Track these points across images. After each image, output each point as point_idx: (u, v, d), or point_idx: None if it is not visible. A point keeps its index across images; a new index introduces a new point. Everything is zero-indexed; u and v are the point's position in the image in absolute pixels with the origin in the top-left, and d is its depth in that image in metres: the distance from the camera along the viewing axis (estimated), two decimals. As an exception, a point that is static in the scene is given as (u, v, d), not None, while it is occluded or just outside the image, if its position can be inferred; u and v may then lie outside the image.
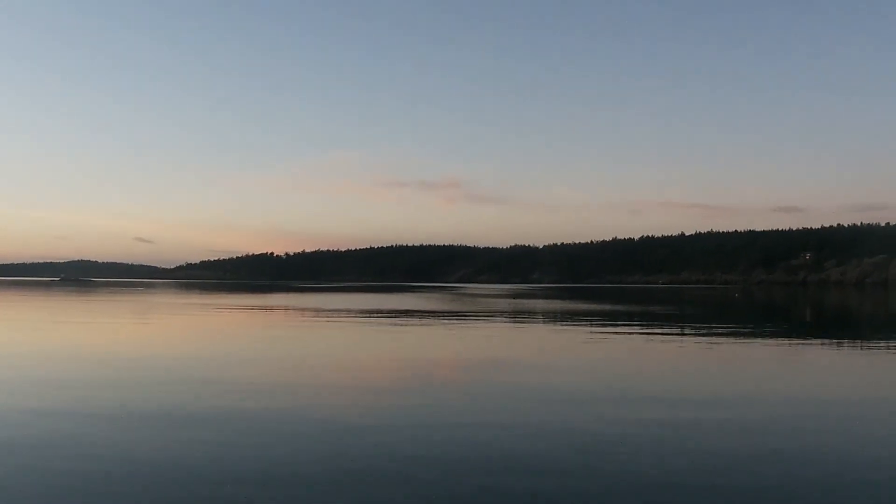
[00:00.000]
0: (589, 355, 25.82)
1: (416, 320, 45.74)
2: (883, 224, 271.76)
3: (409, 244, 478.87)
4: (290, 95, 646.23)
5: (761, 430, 12.52)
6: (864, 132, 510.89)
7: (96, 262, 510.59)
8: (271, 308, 64.83)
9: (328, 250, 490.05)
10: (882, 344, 31.36)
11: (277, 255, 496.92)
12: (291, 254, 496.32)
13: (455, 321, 45.32)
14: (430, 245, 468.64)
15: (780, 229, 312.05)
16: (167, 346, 28.87)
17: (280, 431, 12.18)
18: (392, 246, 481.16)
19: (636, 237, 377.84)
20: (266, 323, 45.43)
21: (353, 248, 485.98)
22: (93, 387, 17.03)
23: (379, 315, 51.14)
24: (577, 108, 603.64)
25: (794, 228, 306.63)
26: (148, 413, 13.67)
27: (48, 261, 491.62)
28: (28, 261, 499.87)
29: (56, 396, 15.55)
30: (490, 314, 54.04)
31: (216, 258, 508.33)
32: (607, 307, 69.31)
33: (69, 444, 11.28)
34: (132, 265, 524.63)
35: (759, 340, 32.11)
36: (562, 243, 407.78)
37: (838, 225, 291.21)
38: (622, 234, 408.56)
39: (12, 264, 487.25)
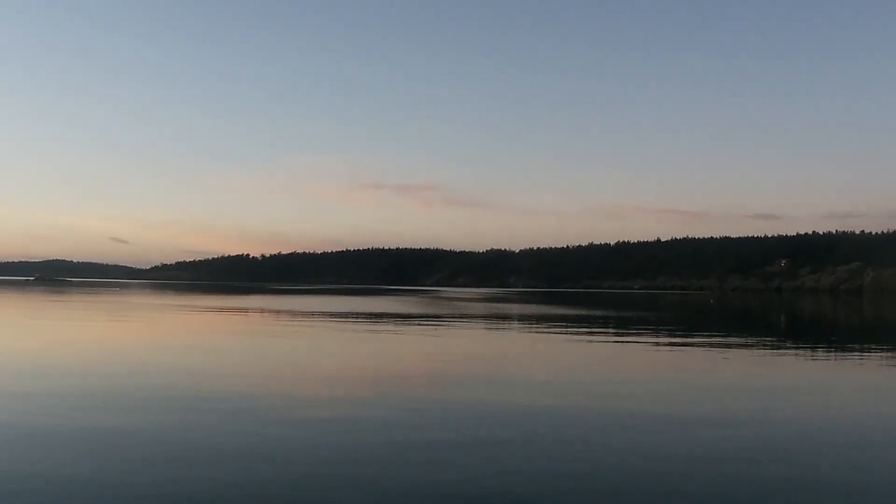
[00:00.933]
0: (562, 359, 25.78)
1: (392, 324, 45.60)
2: (858, 232, 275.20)
3: (386, 247, 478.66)
4: (269, 98, 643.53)
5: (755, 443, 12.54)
6: (842, 140, 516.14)
7: (71, 261, 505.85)
8: (246, 310, 64.41)
9: (304, 252, 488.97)
10: (856, 350, 31.61)
11: (253, 257, 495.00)
12: (268, 255, 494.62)
13: (432, 325, 45.21)
14: (406, 248, 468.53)
15: (755, 236, 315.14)
16: (126, 352, 28.54)
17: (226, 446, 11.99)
18: (369, 249, 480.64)
19: (613, 242, 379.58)
20: (238, 326, 45.10)
21: (330, 251, 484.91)
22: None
23: (356, 319, 50.91)
24: (556, 113, 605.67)
25: (770, 235, 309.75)
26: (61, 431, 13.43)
27: (23, 260, 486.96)
28: (2, 260, 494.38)
29: None
30: (468, 318, 54.00)
31: (192, 259, 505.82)
32: (583, 312, 69.50)
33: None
34: (107, 265, 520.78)
35: (734, 346, 32.26)
36: (538, 248, 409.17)
37: (813, 232, 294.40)
38: (599, 240, 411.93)
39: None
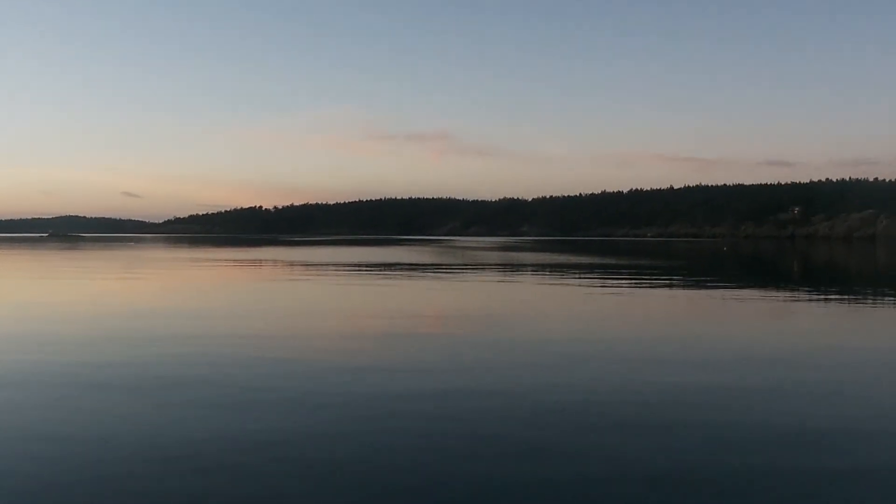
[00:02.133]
0: (576, 309, 26.02)
1: (411, 273, 45.86)
2: (871, 179, 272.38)
3: (399, 197, 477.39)
4: (281, 50, 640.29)
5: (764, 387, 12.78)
6: (855, 86, 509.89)
7: (84, 217, 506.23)
8: (260, 262, 64.85)
9: (317, 204, 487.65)
10: (870, 297, 31.73)
11: (266, 209, 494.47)
12: (280, 207, 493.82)
13: (448, 274, 45.48)
14: (419, 198, 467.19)
15: (768, 183, 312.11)
16: (155, 301, 28.94)
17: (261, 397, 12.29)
18: (381, 199, 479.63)
19: (626, 190, 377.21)
20: (254, 277, 45.50)
21: (342, 202, 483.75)
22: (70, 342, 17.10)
23: (370, 269, 51.21)
24: (569, 60, 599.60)
25: (784, 183, 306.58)
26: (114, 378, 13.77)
27: (36, 216, 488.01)
28: (15, 217, 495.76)
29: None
30: (481, 267, 54.26)
31: (205, 212, 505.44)
32: (597, 260, 69.60)
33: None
34: (120, 220, 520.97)
35: (747, 293, 32.40)
36: (551, 196, 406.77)
37: (827, 179, 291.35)
38: (612, 188, 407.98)
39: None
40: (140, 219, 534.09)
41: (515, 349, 16.00)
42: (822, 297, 31.40)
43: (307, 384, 12.23)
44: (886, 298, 30.99)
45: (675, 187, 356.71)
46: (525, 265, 58.61)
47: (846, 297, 31.40)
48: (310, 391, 11.70)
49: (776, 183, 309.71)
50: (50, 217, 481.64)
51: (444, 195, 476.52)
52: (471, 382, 12.43)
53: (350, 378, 12.70)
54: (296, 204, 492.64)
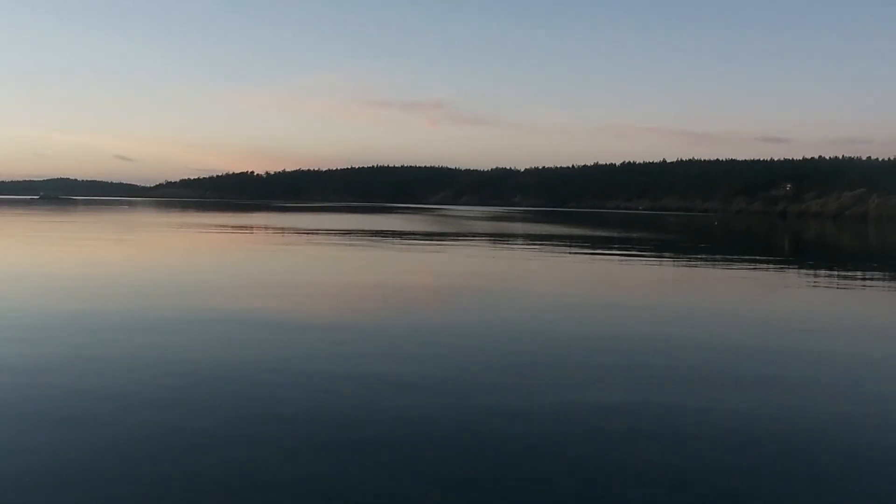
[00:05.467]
0: (557, 276, 26.23)
1: (400, 242, 45.97)
2: (864, 158, 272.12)
3: (391, 164, 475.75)
4: (276, 15, 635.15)
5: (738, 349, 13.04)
6: (851, 65, 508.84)
7: (76, 180, 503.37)
8: (252, 228, 64.87)
9: (309, 170, 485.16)
10: (859, 274, 32.02)
11: (258, 175, 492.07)
12: (272, 173, 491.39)
13: (442, 242, 45.61)
14: (411, 166, 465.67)
15: (761, 159, 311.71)
16: (145, 267, 29.05)
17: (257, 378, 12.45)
18: (374, 166, 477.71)
19: (618, 163, 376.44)
20: (247, 243, 45.59)
21: (335, 168, 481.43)
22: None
23: (363, 235, 51.32)
24: (565, 31, 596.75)
25: (776, 159, 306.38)
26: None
27: (27, 179, 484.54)
28: (6, 179, 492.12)
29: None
30: (475, 236, 54.41)
31: (196, 176, 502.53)
32: (588, 232, 69.80)
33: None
34: (112, 183, 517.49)
35: (731, 266, 32.66)
36: (544, 167, 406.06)
37: (819, 157, 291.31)
38: (604, 160, 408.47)
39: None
40: (132, 182, 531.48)
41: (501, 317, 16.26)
42: (827, 277, 31.69)
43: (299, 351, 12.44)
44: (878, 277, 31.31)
45: (668, 161, 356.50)
46: (517, 236, 58.79)
47: (842, 274, 31.69)
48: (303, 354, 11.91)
49: (769, 159, 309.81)
50: (41, 179, 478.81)
51: (437, 164, 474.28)
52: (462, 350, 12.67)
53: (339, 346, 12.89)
54: (288, 170, 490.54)
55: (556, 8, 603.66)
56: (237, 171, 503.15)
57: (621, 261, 35.59)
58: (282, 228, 62.36)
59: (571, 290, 22.61)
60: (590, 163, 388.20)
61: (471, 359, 12.10)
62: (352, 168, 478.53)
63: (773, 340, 14.48)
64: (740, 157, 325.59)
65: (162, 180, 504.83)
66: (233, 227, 63.04)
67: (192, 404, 9.12)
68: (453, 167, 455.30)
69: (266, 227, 64.52)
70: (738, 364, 12.29)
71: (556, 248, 43.85)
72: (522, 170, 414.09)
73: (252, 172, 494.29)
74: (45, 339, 12.94)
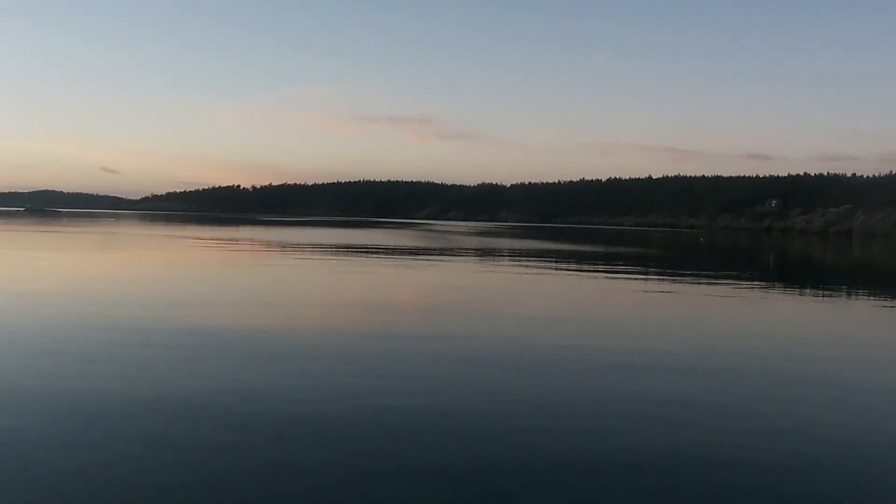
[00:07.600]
0: (545, 292, 26.23)
1: (387, 258, 45.92)
2: (849, 175, 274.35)
3: (378, 179, 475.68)
4: (263, 29, 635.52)
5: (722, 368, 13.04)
6: (836, 82, 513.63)
7: (62, 192, 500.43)
8: (237, 241, 64.63)
9: (296, 184, 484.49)
10: (842, 292, 32.16)
11: (244, 188, 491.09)
12: (258, 186, 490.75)
13: (426, 259, 45.57)
14: (398, 181, 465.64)
15: (747, 176, 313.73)
16: (128, 282, 28.88)
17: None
18: (360, 181, 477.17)
19: (604, 179, 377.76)
20: (233, 258, 45.43)
21: (321, 183, 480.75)
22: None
23: (349, 251, 51.21)
24: (552, 47, 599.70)
25: (762, 176, 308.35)
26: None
27: (12, 190, 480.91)
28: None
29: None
30: (459, 252, 54.36)
31: (182, 189, 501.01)
32: (575, 247, 69.88)
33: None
34: (98, 196, 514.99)
35: (720, 285, 32.77)
36: (530, 182, 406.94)
37: (805, 174, 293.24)
38: (591, 176, 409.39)
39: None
40: (118, 195, 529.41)
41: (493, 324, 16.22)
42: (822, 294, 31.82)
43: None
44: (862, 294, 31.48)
45: (654, 177, 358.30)
46: (503, 252, 58.82)
47: (827, 292, 31.82)
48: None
49: (755, 176, 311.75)
50: (27, 191, 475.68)
51: (424, 178, 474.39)
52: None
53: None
54: (274, 184, 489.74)
55: (543, 24, 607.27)
56: (223, 184, 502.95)
57: (607, 277, 35.64)
58: (268, 242, 62.16)
59: (562, 307, 22.59)
60: (576, 178, 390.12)
61: (449, 382, 11.99)
62: (338, 182, 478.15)
63: (759, 359, 14.47)
64: (726, 174, 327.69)
65: (148, 193, 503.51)
66: (224, 240, 62.73)
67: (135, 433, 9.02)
68: (440, 182, 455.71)
69: (252, 240, 64.31)
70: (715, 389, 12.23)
71: (543, 265, 43.89)
72: (509, 185, 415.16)
73: (238, 186, 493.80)
74: None
